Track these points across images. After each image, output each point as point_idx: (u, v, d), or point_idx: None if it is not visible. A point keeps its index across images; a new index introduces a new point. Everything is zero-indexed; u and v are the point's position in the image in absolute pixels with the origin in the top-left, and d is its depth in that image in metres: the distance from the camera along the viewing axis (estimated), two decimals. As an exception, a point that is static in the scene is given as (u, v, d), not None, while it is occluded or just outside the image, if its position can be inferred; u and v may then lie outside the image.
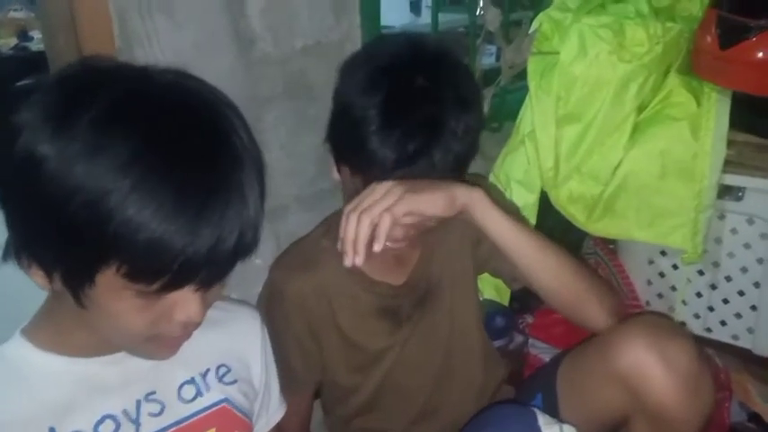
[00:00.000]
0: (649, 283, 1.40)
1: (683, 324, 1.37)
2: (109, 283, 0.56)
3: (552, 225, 1.25)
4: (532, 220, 1.22)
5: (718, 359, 1.31)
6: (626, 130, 1.17)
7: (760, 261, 1.25)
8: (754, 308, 1.29)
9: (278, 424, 0.90)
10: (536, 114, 1.20)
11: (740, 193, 1.22)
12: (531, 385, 1.06)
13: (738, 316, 1.31)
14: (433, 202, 0.82)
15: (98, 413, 0.66)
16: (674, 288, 1.37)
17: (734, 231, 1.26)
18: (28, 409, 0.63)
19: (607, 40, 1.15)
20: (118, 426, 0.67)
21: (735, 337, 1.34)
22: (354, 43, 1.14)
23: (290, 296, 0.97)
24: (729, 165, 1.17)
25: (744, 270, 1.28)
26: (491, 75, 1.45)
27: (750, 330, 1.31)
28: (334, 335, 1.00)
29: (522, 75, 1.29)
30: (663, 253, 1.35)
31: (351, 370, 1.03)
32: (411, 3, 3.37)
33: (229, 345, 0.80)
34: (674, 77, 1.20)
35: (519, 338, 1.44)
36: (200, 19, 0.94)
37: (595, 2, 1.21)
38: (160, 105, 0.57)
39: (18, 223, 0.58)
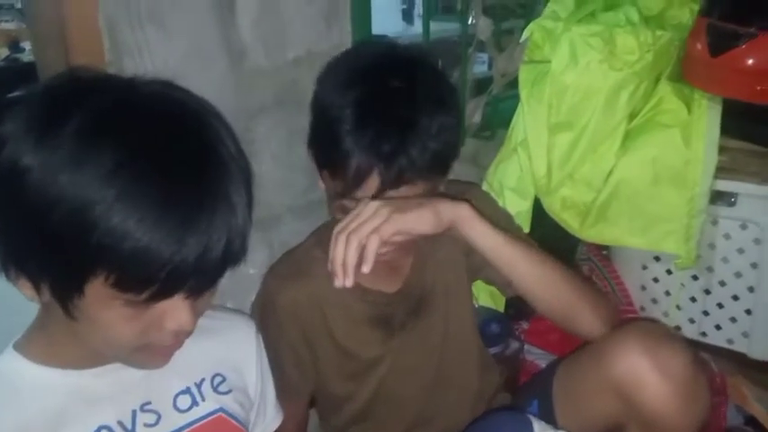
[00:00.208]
0: (643, 288, 1.41)
1: (677, 329, 1.37)
2: (98, 293, 0.56)
3: (546, 232, 1.25)
4: (526, 228, 1.23)
5: (713, 363, 1.31)
6: (618, 138, 1.18)
7: (754, 266, 1.26)
8: (748, 312, 1.30)
9: (274, 432, 0.89)
10: (528, 122, 1.20)
11: (733, 199, 1.23)
12: (528, 392, 1.06)
13: (733, 320, 1.32)
14: (419, 220, 0.82)
15: (93, 425, 0.66)
16: (668, 293, 1.38)
17: (727, 236, 1.27)
18: (22, 423, 0.63)
19: (598, 48, 1.15)
20: None
21: (730, 342, 1.34)
22: (346, 53, 1.14)
23: (283, 305, 0.97)
24: (722, 171, 1.18)
25: (738, 275, 1.28)
26: (483, 83, 1.46)
27: (745, 334, 1.31)
28: (328, 343, 0.99)
29: (513, 83, 1.30)
30: (657, 258, 1.35)
31: (344, 378, 1.02)
32: (403, 11, 3.39)
33: (224, 354, 0.80)
34: (665, 85, 1.21)
35: (515, 345, 1.43)
36: (190, 30, 0.94)
37: (586, 11, 1.22)
38: (144, 115, 0.57)
39: (4, 235, 0.58)
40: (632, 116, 1.19)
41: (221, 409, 0.75)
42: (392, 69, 0.86)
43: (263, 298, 1.01)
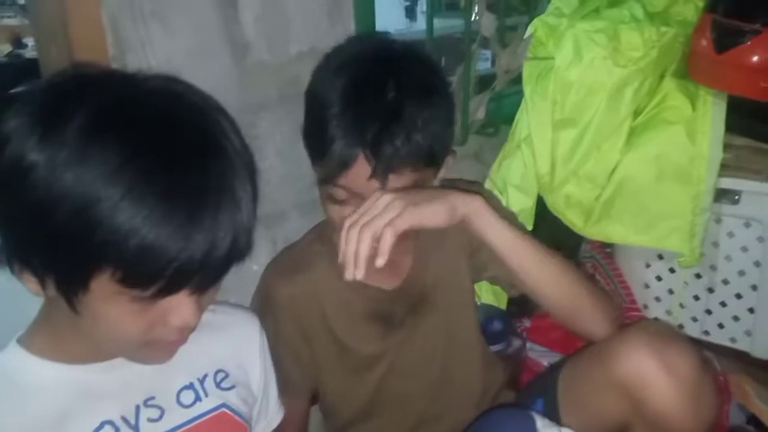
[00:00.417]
0: (646, 286, 1.40)
1: (680, 327, 1.37)
2: (103, 288, 0.56)
3: (549, 229, 1.25)
4: (529, 225, 1.22)
5: (716, 362, 1.30)
6: (622, 135, 1.17)
7: (757, 264, 1.25)
8: (751, 310, 1.29)
9: (276, 428, 0.89)
10: (532, 119, 1.20)
11: (737, 197, 1.22)
12: (532, 390, 1.06)
13: (736, 319, 1.31)
14: (434, 214, 0.82)
15: (97, 420, 0.66)
16: (671, 291, 1.37)
17: (731, 235, 1.26)
18: (26, 418, 0.63)
19: (602, 44, 1.15)
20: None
21: (733, 340, 1.33)
22: (349, 49, 1.14)
23: (281, 300, 0.97)
24: (726, 168, 1.17)
25: (741, 273, 1.28)
26: (486, 80, 1.45)
27: (748, 333, 1.31)
28: (326, 338, 0.99)
29: (517, 80, 1.29)
30: (660, 256, 1.35)
31: (344, 375, 1.02)
32: (406, 8, 3.38)
33: (228, 350, 0.80)
34: (670, 81, 1.21)
35: (517, 342, 1.43)
36: (194, 26, 0.94)
37: (590, 7, 1.21)
38: (148, 111, 0.57)
39: (8, 230, 0.58)
40: (637, 113, 1.19)
41: (224, 405, 0.75)
42: (382, 59, 0.86)
43: (261, 293, 1.01)
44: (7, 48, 4.32)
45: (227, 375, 0.78)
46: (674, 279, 1.35)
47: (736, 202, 1.23)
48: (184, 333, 0.65)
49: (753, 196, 1.21)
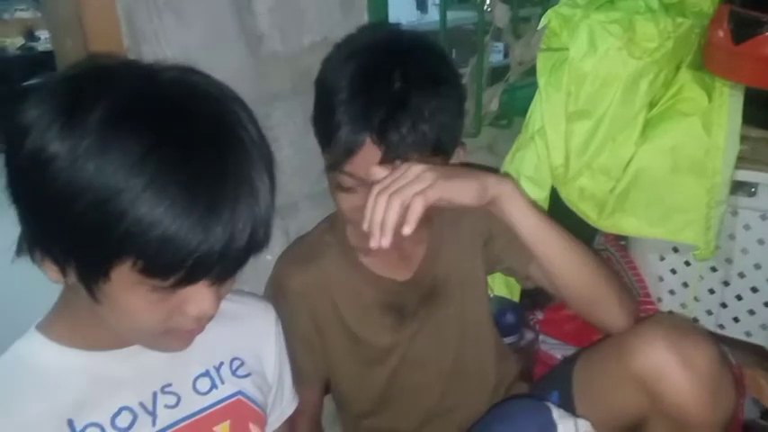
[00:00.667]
0: (661, 279, 1.40)
1: (695, 320, 1.36)
2: (124, 278, 0.56)
3: (562, 222, 1.23)
4: (543, 217, 1.22)
5: (731, 356, 1.30)
6: (637, 126, 1.16)
7: (773, 257, 1.24)
8: (767, 304, 1.28)
9: (289, 417, 0.90)
10: (546, 111, 1.19)
11: (753, 189, 1.21)
12: (547, 382, 1.06)
13: (751, 312, 1.30)
14: (464, 190, 0.81)
15: (115, 405, 0.67)
16: (686, 284, 1.36)
17: (747, 227, 1.25)
18: (46, 403, 0.64)
19: (617, 35, 1.13)
20: (135, 418, 0.67)
21: (748, 334, 1.33)
22: (362, 40, 1.14)
23: (293, 291, 0.97)
24: (743, 160, 1.16)
25: (757, 266, 1.27)
26: (499, 71, 1.44)
27: (763, 327, 1.30)
28: (338, 329, 1.00)
29: (531, 71, 1.28)
30: (675, 249, 1.34)
31: (356, 365, 1.02)
32: (417, 0, 3.36)
33: (243, 339, 0.80)
34: (686, 73, 1.19)
35: (530, 335, 1.43)
36: (208, 17, 0.94)
37: (605, -3, 1.20)
38: (167, 102, 0.58)
39: (30, 220, 0.59)
40: (652, 105, 1.18)
41: (240, 393, 0.76)
42: (391, 48, 0.86)
43: (274, 283, 1.01)
44: (20, 41, 4.36)
45: (242, 363, 0.78)
46: (689, 272, 1.34)
47: (752, 195, 1.22)
48: (202, 322, 0.66)
49: (770, 189, 1.20)
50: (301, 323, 0.98)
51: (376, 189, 0.79)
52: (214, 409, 0.73)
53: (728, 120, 1.14)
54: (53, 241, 0.58)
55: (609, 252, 1.50)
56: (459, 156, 0.92)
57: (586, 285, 0.90)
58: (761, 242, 1.25)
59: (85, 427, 0.65)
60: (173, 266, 0.56)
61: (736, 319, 1.33)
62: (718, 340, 1.18)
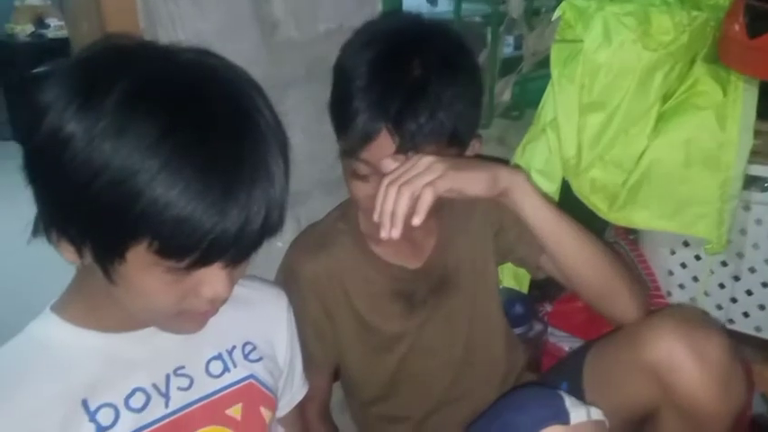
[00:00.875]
0: (670, 273, 1.39)
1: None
2: (139, 259, 0.57)
3: (572, 215, 1.24)
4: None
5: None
6: (651, 119, 1.15)
7: (785, 253, 1.24)
8: (777, 300, 1.28)
9: (299, 403, 0.91)
10: (559, 102, 1.18)
11: (766, 184, 1.20)
12: (557, 374, 1.06)
13: (762, 307, 1.30)
14: (475, 181, 0.82)
15: (128, 387, 0.68)
16: (696, 279, 1.36)
17: (759, 222, 1.24)
18: (60, 383, 0.64)
19: (632, 27, 1.13)
20: (148, 399, 0.68)
21: (758, 329, 1.32)
22: (376, 28, 1.14)
23: (305, 277, 0.98)
24: (756, 155, 1.15)
25: (768, 261, 1.26)
26: (509, 63, 1.44)
27: (773, 322, 1.29)
28: (349, 316, 1.00)
29: (543, 63, 1.28)
30: (685, 243, 1.34)
31: (365, 352, 1.03)
32: (433, -9, 3.34)
33: (255, 323, 0.81)
34: (701, 66, 1.18)
35: (538, 326, 1.43)
36: (223, 2, 0.95)
37: (620, -11, 1.19)
38: (184, 85, 0.58)
39: (46, 200, 0.59)
40: (666, 98, 1.17)
41: (252, 376, 0.77)
42: (411, 36, 0.86)
43: (285, 269, 1.02)
44: (30, 28, 4.37)
45: (254, 348, 0.79)
46: (700, 266, 1.33)
47: (765, 190, 1.21)
48: (216, 304, 0.66)
49: (783, 184, 1.19)
50: (312, 309, 0.99)
51: (386, 180, 0.79)
52: (226, 392, 0.74)
53: (742, 114, 1.13)
54: (70, 221, 0.58)
55: (619, 245, 1.50)
56: (474, 148, 0.92)
57: (597, 276, 0.91)
58: (772, 237, 1.24)
59: (99, 407, 0.65)
60: (188, 248, 0.56)
61: (746, 314, 1.32)
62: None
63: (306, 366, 0.92)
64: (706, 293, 1.34)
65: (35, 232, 0.62)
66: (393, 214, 0.78)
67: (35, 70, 3.84)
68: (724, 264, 1.30)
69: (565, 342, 1.39)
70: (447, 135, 0.83)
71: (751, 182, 1.20)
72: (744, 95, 1.15)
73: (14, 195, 0.60)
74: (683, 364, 0.82)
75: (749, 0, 1.16)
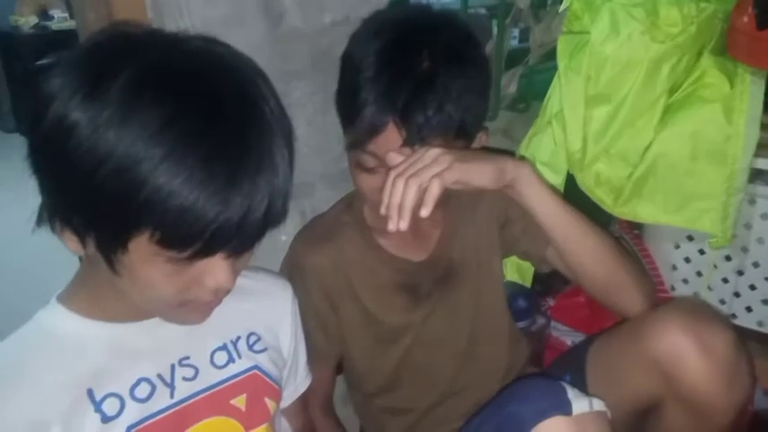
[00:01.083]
0: (674, 267, 1.39)
1: (708, 309, 1.35)
2: (141, 249, 0.57)
3: (578, 208, 1.23)
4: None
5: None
6: (657, 112, 1.15)
7: (790, 247, 1.23)
8: (781, 294, 1.28)
9: (302, 394, 0.91)
10: (565, 94, 1.18)
11: (772, 178, 1.20)
12: (560, 366, 1.06)
13: (765, 302, 1.30)
14: (481, 172, 0.82)
15: (134, 376, 0.68)
16: (699, 273, 1.36)
17: (764, 216, 1.24)
18: (66, 373, 0.65)
19: (640, 19, 1.12)
20: (153, 389, 0.68)
21: (760, 324, 1.32)
22: (382, 20, 1.13)
23: (309, 269, 0.97)
24: (762, 148, 1.15)
25: (772, 256, 1.26)
26: (515, 55, 1.43)
27: (777, 317, 1.30)
28: (354, 308, 1.00)
29: (550, 54, 1.27)
30: (690, 237, 1.34)
31: (369, 344, 1.03)
32: (437, -17, 3.32)
33: (260, 314, 0.81)
34: (708, 58, 1.18)
35: (541, 321, 1.43)
36: (230, -8, 0.94)
37: (628, -20, 1.18)
38: (190, 73, 0.58)
39: (50, 189, 0.59)
40: (673, 90, 1.16)
41: (256, 367, 0.77)
42: (419, 27, 0.85)
43: (290, 261, 1.01)
44: (34, 20, 4.36)
45: (259, 338, 0.79)
46: (704, 261, 1.33)
47: (771, 184, 1.21)
48: (219, 295, 0.66)
49: (789, 178, 1.19)
50: (316, 301, 0.99)
51: (394, 173, 0.79)
52: (231, 382, 0.74)
53: (749, 107, 1.12)
54: (73, 211, 0.58)
55: (623, 239, 1.50)
56: (480, 140, 0.92)
57: (603, 268, 0.90)
58: (777, 232, 1.24)
59: (105, 397, 0.65)
60: (190, 237, 0.56)
61: (749, 309, 1.32)
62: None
63: (310, 358, 0.92)
64: (709, 288, 1.34)
65: (39, 222, 0.62)
66: (401, 206, 0.78)
67: (39, 62, 3.84)
68: (728, 258, 1.30)
69: (567, 336, 1.40)
70: (454, 128, 0.83)
71: (756, 175, 1.20)
72: (751, 88, 1.14)
73: (20, 186, 0.60)
74: (689, 357, 0.82)
75: (758, -8, 1.15)
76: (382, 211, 0.80)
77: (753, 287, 1.31)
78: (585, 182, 1.22)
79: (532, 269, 1.23)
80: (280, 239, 1.06)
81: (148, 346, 0.70)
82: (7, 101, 4.31)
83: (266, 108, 0.61)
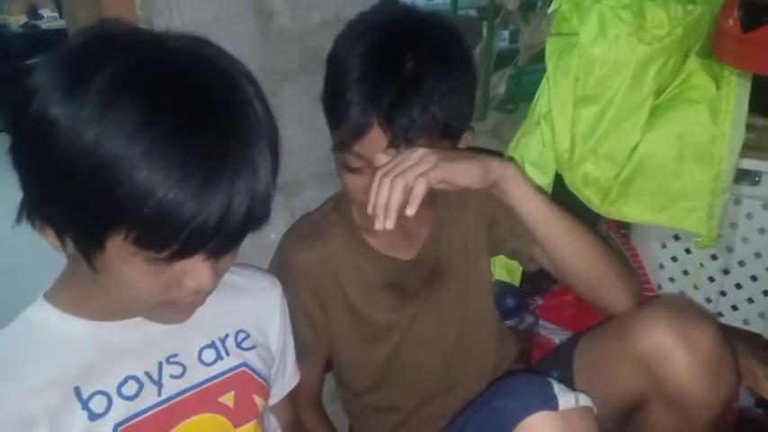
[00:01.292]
0: (661, 267, 1.40)
1: (694, 308, 1.36)
2: (119, 249, 0.56)
3: (566, 208, 1.24)
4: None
5: (727, 344, 1.31)
6: (644, 113, 1.16)
7: (774, 246, 1.25)
8: (766, 293, 1.29)
9: (291, 392, 0.91)
10: (553, 95, 1.19)
11: (757, 178, 1.22)
12: (547, 364, 1.07)
13: (750, 301, 1.31)
14: (467, 172, 0.82)
15: (121, 374, 0.68)
16: (686, 272, 1.37)
17: (749, 216, 1.26)
18: (53, 370, 0.65)
19: (627, 21, 1.13)
20: (141, 387, 0.68)
21: (746, 322, 1.33)
22: (372, 20, 1.13)
23: (297, 266, 0.98)
24: (748, 149, 1.16)
25: (758, 255, 1.27)
26: (504, 56, 1.44)
27: (761, 315, 1.31)
28: (342, 306, 1.00)
29: (539, 56, 1.28)
30: (676, 237, 1.35)
31: (357, 342, 1.03)
32: (424, -15, 3.33)
33: (249, 311, 0.81)
34: (694, 60, 1.19)
35: (529, 319, 1.44)
36: (219, -9, 0.94)
37: (615, -18, 1.19)
38: (172, 73, 0.57)
39: (30, 185, 0.59)
40: (660, 92, 1.17)
41: (244, 364, 0.77)
42: (405, 28, 0.85)
43: (278, 259, 1.02)
44: (23, 19, 4.33)
45: (247, 336, 0.79)
46: (690, 260, 1.34)
47: (756, 184, 1.22)
48: (200, 296, 0.66)
49: (774, 178, 1.20)
50: (304, 299, 0.99)
51: (380, 173, 0.80)
52: (219, 379, 0.74)
53: (735, 108, 1.14)
54: (51, 208, 0.58)
55: (611, 239, 1.51)
56: (466, 140, 0.92)
57: (589, 267, 0.91)
58: (762, 231, 1.25)
59: (92, 395, 0.65)
60: (166, 238, 0.56)
61: (734, 308, 1.34)
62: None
63: (298, 355, 0.93)
64: (696, 287, 1.36)
65: (19, 218, 0.62)
66: (387, 206, 0.79)
67: (28, 61, 3.81)
68: (714, 257, 1.32)
69: (555, 335, 1.41)
70: (439, 129, 0.83)
71: (742, 176, 1.21)
72: (737, 90, 1.16)
73: (9, 183, 0.60)
74: (674, 354, 0.83)
75: (744, -5, 1.17)
76: (369, 210, 0.80)
77: (738, 286, 1.32)
78: (573, 182, 1.23)
79: (521, 268, 1.24)
80: (269, 237, 1.06)
81: (136, 344, 0.70)
82: (-5, 100, 4.28)
83: (251, 110, 0.60)
